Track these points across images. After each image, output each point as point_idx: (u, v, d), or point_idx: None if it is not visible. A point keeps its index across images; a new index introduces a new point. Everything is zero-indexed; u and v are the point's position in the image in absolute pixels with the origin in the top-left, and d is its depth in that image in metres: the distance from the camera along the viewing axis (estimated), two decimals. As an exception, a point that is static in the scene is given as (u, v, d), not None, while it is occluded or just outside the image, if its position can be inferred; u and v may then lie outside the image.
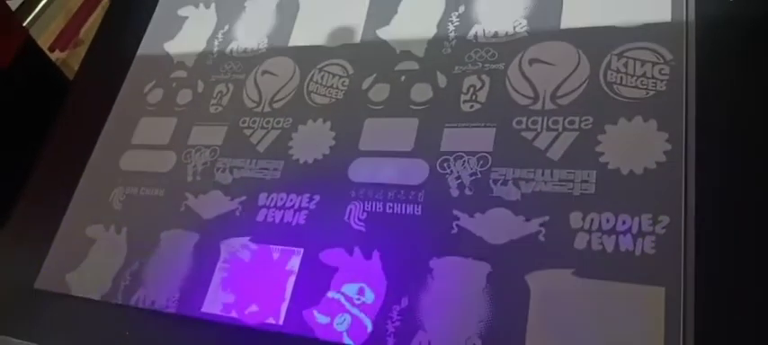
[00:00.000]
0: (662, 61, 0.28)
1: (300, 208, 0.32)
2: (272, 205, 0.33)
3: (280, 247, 0.31)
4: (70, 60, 0.96)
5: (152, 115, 0.39)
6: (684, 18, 0.29)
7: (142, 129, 0.39)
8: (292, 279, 0.30)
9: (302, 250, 0.31)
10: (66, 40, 0.81)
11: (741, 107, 0.27)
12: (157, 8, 0.44)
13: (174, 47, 0.42)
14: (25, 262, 0.37)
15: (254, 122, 0.36)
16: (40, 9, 0.97)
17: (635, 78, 0.28)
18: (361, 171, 0.32)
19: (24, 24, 0.83)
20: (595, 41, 0.30)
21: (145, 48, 0.43)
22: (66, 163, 0.40)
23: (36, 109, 0.49)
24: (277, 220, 0.32)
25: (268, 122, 0.36)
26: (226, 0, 0.42)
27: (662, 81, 0.28)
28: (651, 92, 0.28)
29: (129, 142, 0.39)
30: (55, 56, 0.83)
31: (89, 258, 0.35)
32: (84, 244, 0.36)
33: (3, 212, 0.40)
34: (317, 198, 0.32)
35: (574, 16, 0.31)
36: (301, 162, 0.33)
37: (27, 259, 0.37)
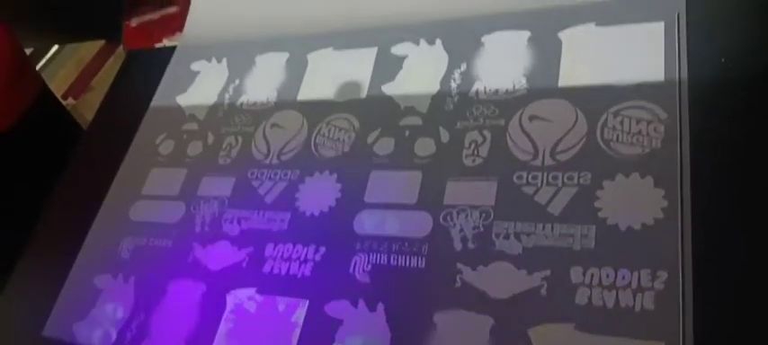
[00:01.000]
0: (656, 119, 0.29)
1: (306, 260, 0.33)
2: (278, 256, 0.33)
3: (285, 299, 0.32)
4: (79, 107, 0.99)
5: (163, 166, 0.40)
6: (677, 77, 0.30)
7: (152, 180, 0.40)
8: (297, 332, 0.30)
9: (307, 302, 0.31)
10: (79, 89, 0.84)
11: (735, 164, 0.28)
12: (171, 62, 0.46)
13: (187, 100, 0.43)
14: (33, 310, 0.38)
15: (263, 174, 0.37)
16: (51, 56, 1.00)
17: (631, 136, 0.29)
18: (366, 223, 0.32)
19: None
20: (592, 100, 0.31)
21: (158, 100, 0.44)
22: (77, 212, 0.41)
23: (50, 156, 0.50)
24: (283, 272, 0.33)
25: (276, 174, 0.37)
26: (237, 55, 0.44)
27: (657, 139, 0.29)
28: (647, 150, 0.29)
29: (139, 192, 0.40)
30: (67, 103, 0.86)
31: (96, 307, 0.36)
32: (92, 294, 0.36)
33: (13, 259, 0.41)
34: (322, 249, 0.33)
35: (571, 75, 0.32)
36: (308, 214, 0.34)
37: (35, 307, 0.37)
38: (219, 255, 0.35)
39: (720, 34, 0.31)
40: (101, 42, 0.90)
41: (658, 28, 0.31)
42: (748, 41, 0.31)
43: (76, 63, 1.04)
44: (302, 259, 0.33)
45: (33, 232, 0.42)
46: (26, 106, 0.54)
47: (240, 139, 0.39)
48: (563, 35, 0.34)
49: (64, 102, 0.82)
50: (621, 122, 0.30)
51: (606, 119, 0.30)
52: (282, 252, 0.33)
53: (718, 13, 0.32)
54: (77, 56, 1.05)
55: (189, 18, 0.48)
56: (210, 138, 0.40)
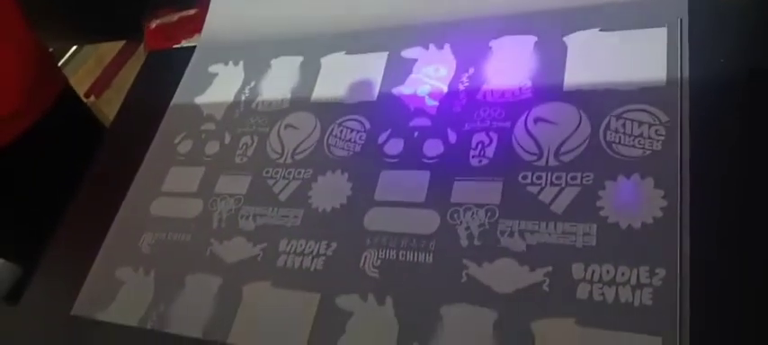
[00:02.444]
0: (658, 122, 0.30)
1: (318, 255, 0.34)
2: (291, 251, 0.35)
3: (298, 292, 0.33)
4: (99, 104, 1.01)
5: (181, 164, 0.42)
6: (679, 81, 0.31)
7: (172, 178, 0.42)
8: (310, 323, 0.31)
9: (319, 295, 0.32)
10: (101, 88, 0.86)
11: (733, 166, 0.29)
12: (190, 64, 0.48)
13: (205, 101, 0.45)
14: (58, 303, 0.39)
15: (277, 173, 0.38)
16: (71, 53, 1.03)
17: (632, 138, 0.30)
18: (376, 220, 0.34)
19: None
20: (595, 103, 0.32)
21: (177, 101, 0.46)
22: (100, 207, 0.43)
23: (73, 153, 0.52)
24: (296, 266, 0.34)
25: (290, 173, 0.38)
26: (253, 58, 0.45)
27: (658, 141, 0.30)
28: (648, 152, 0.30)
29: (159, 189, 0.41)
30: (88, 101, 0.88)
31: (118, 299, 0.38)
32: (114, 285, 0.38)
33: (39, 253, 0.43)
34: (334, 245, 0.34)
35: (575, 79, 0.33)
36: (320, 210, 0.35)
37: (59, 300, 0.39)
38: (235, 249, 0.36)
39: (722, 38, 0.32)
40: (121, 42, 0.92)
41: (661, 33, 0.32)
42: (749, 45, 0.32)
43: (97, 60, 1.07)
44: (315, 254, 0.34)
45: (59, 226, 0.44)
46: (51, 104, 0.56)
47: (256, 139, 0.41)
48: (568, 40, 0.35)
49: (86, 100, 0.85)
50: (624, 125, 0.31)
51: (609, 122, 0.31)
52: (296, 247, 0.35)
53: (721, 17, 0.33)
54: (98, 53, 1.08)
55: (207, 20, 0.50)
56: (227, 138, 0.42)
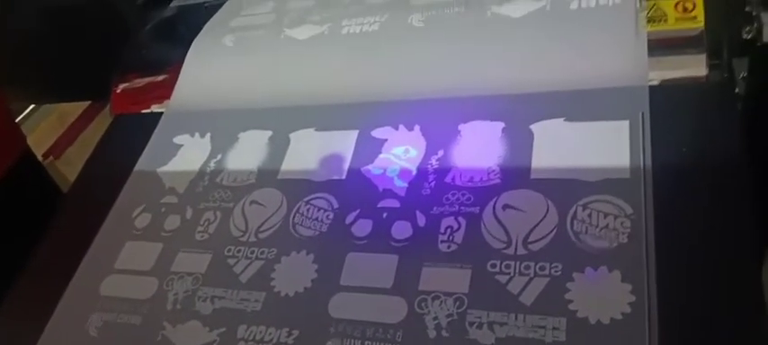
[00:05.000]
0: (623, 214, 0.30)
1: (279, 343, 0.32)
2: (250, 338, 0.33)
3: (256, 384, 0.31)
4: (58, 163, 0.98)
5: (138, 239, 0.40)
6: (642, 175, 0.32)
7: (126, 253, 0.39)
8: (266, 421, 0.29)
9: (278, 388, 0.30)
10: (61, 149, 0.84)
11: (699, 257, 0.29)
12: (154, 134, 0.47)
13: (167, 172, 0.44)
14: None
15: (239, 251, 0.37)
16: (31, 110, 1.00)
17: (599, 229, 0.30)
18: (341, 306, 0.32)
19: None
20: (562, 192, 0.32)
21: (138, 171, 0.45)
22: (49, 284, 0.40)
23: (27, 218, 0.49)
24: (255, 355, 0.32)
25: (252, 252, 0.37)
26: (220, 131, 0.45)
27: (624, 233, 0.30)
28: (614, 244, 0.30)
29: (111, 266, 0.39)
30: (47, 161, 0.85)
31: (58, 387, 0.35)
32: (56, 372, 0.35)
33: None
34: (296, 332, 0.32)
35: (542, 167, 0.34)
36: (282, 294, 0.34)
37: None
38: (190, 335, 0.34)
39: (683, 132, 0.33)
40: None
41: (623, 126, 0.33)
42: (711, 138, 0.33)
43: (59, 117, 1.04)
44: (275, 341, 0.32)
45: (4, 300, 0.41)
46: (9, 165, 0.54)
47: (219, 215, 0.39)
48: (535, 128, 0.35)
49: (44, 161, 0.82)
50: (590, 215, 0.31)
51: (575, 212, 0.31)
52: (255, 334, 0.33)
53: (681, 109, 0.34)
54: (60, 109, 1.05)
55: (176, 89, 0.49)
56: (189, 213, 0.40)
